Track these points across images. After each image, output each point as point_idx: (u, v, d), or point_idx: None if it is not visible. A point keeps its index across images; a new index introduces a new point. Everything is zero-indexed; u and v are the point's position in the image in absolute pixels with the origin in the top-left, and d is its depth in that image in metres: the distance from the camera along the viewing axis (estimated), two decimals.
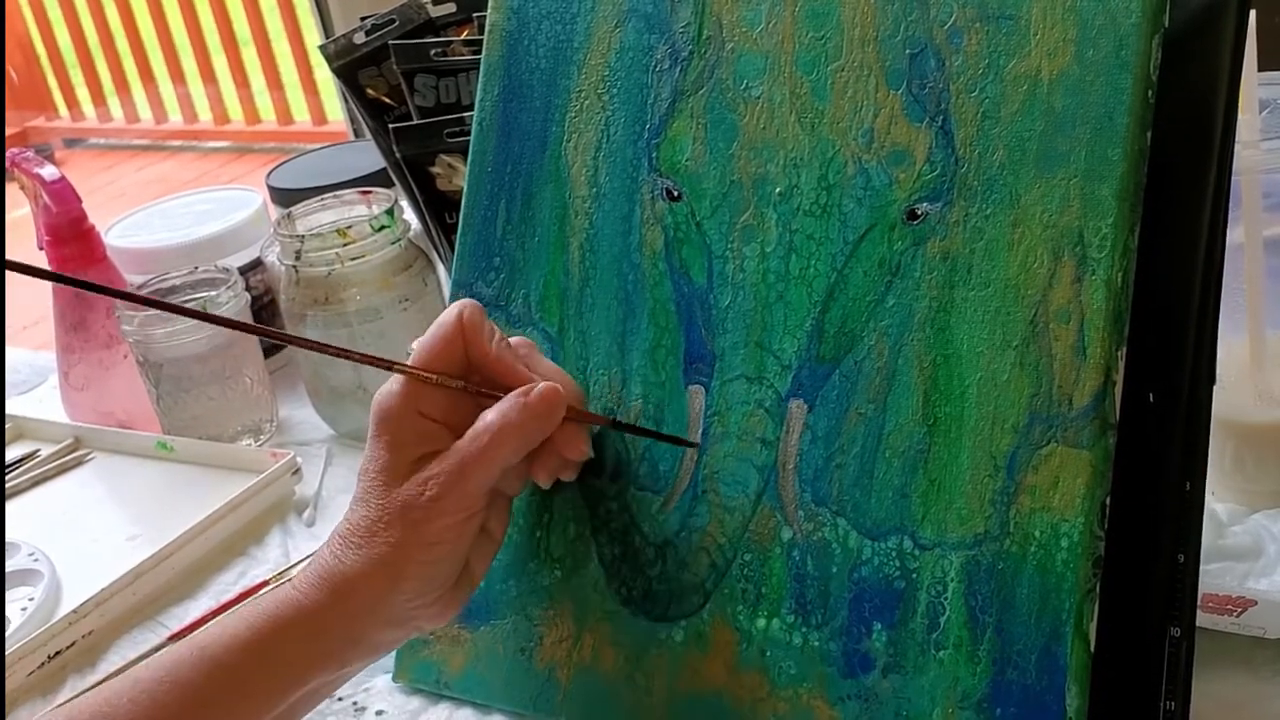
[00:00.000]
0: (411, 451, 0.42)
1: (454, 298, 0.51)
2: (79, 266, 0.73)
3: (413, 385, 0.43)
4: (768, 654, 0.44)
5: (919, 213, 0.43)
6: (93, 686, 0.55)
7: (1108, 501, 0.40)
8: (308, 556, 0.61)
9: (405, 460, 0.42)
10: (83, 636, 0.59)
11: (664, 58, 0.47)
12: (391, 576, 0.42)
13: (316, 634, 0.42)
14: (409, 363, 0.43)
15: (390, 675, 0.53)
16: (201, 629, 0.42)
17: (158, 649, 0.57)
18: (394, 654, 0.52)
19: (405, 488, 0.42)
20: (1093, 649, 0.40)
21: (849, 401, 0.43)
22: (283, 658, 0.41)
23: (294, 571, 0.60)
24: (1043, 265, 0.41)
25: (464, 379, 0.43)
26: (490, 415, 0.42)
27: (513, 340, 0.45)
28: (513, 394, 0.43)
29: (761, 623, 0.44)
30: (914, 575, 0.42)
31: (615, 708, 0.46)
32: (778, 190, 0.45)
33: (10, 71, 3.15)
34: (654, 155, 0.47)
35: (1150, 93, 0.40)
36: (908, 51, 0.43)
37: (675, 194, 0.47)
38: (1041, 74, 0.41)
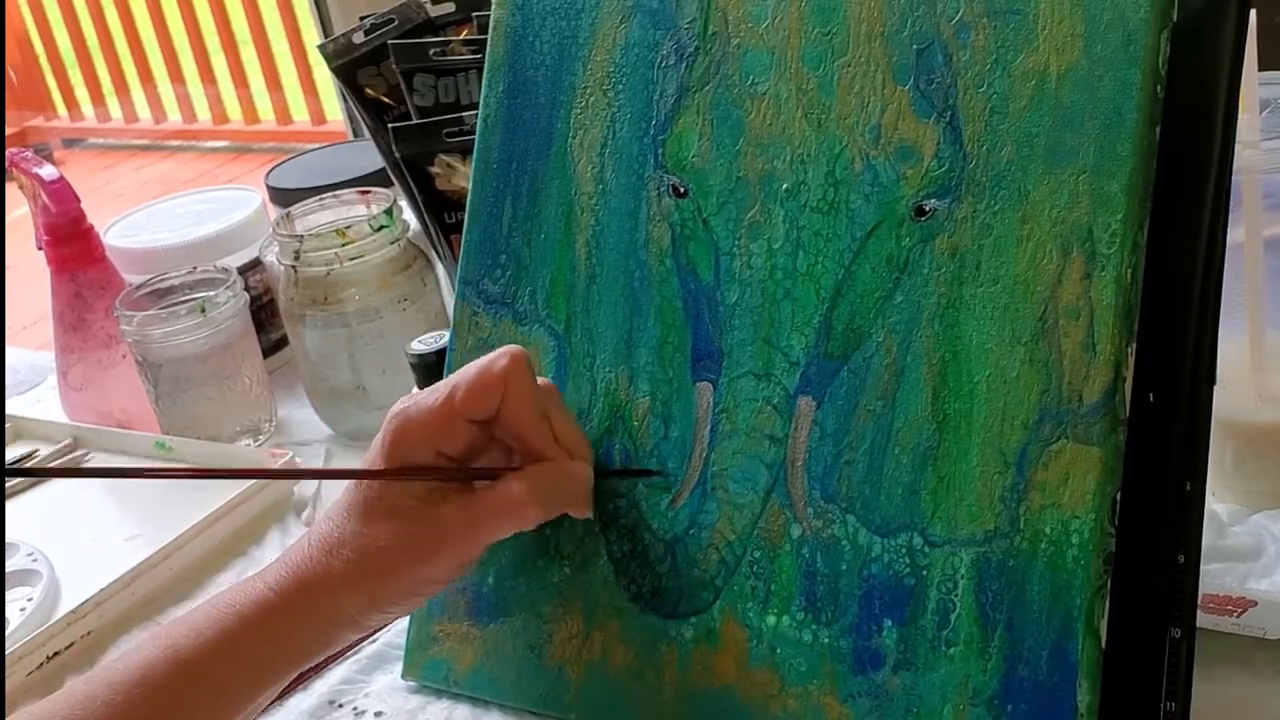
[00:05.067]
0: (418, 487, 0.42)
1: (460, 295, 0.51)
2: (78, 266, 0.73)
3: (440, 419, 0.42)
4: (778, 651, 0.44)
5: (927, 209, 0.43)
6: None
7: (1118, 498, 0.40)
8: None
9: (412, 489, 0.42)
10: (81, 637, 0.58)
11: (669, 53, 0.47)
12: (375, 597, 0.42)
13: (286, 636, 0.42)
14: (458, 384, 0.42)
15: (389, 675, 0.52)
16: (174, 623, 0.42)
17: None
18: (402, 652, 0.52)
19: (410, 523, 0.41)
20: (1104, 645, 0.39)
21: (858, 398, 0.43)
22: (253, 657, 0.41)
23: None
24: (1052, 261, 0.41)
25: (451, 458, 0.43)
26: (522, 483, 0.42)
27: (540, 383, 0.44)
28: (546, 469, 0.43)
29: (771, 620, 0.44)
30: (924, 572, 0.42)
31: (625, 705, 0.46)
32: (785, 186, 0.45)
33: (9, 71, 3.14)
34: (660, 151, 0.47)
35: (1159, 88, 0.40)
36: (915, 47, 0.43)
37: (681, 190, 0.46)
38: (1049, 69, 0.41)
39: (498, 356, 0.43)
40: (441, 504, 0.42)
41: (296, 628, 0.42)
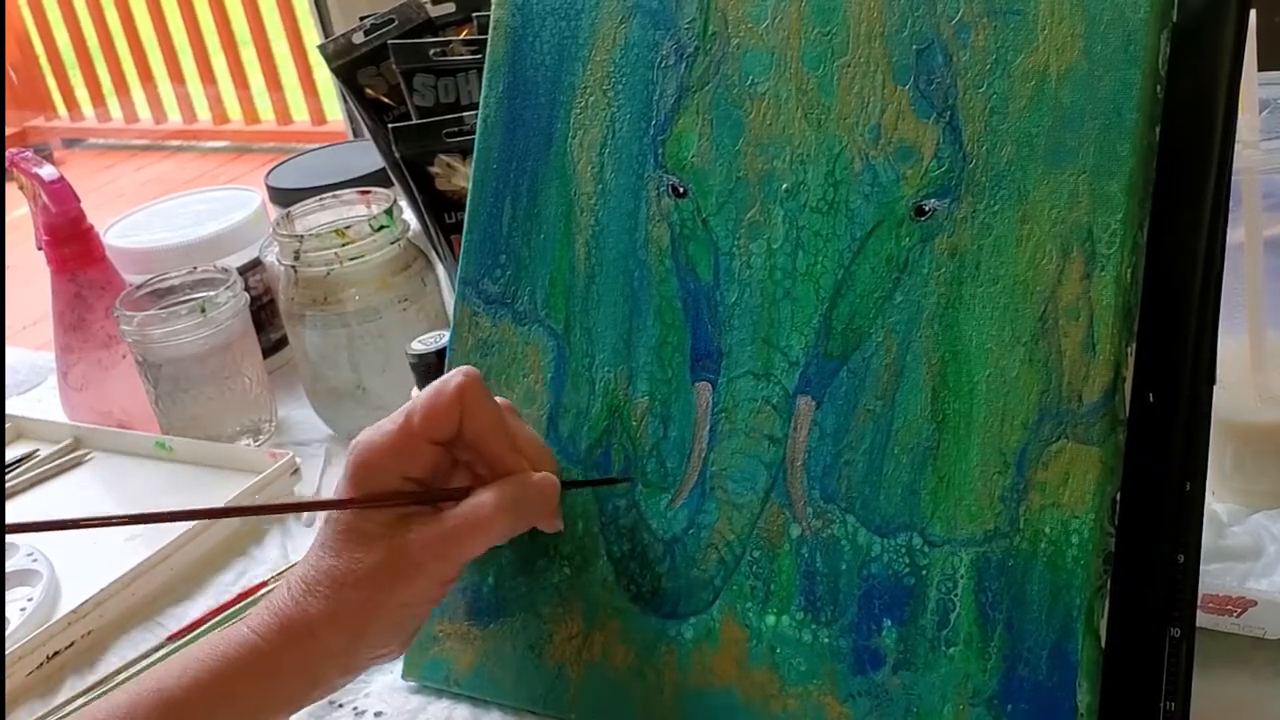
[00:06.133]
0: (389, 510, 0.42)
1: (460, 295, 0.51)
2: (78, 266, 0.73)
3: (401, 442, 0.42)
4: (778, 651, 0.44)
5: (927, 209, 0.43)
6: (88, 690, 0.55)
7: (1118, 498, 0.40)
8: None
9: (380, 517, 0.42)
10: (81, 637, 0.58)
11: (669, 54, 0.47)
12: (357, 631, 0.42)
13: (274, 679, 0.41)
14: (414, 408, 0.42)
15: (389, 675, 0.52)
16: (160, 665, 0.42)
17: (157, 649, 0.57)
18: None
19: (381, 550, 0.41)
20: (1104, 645, 0.39)
21: (857, 398, 0.43)
22: (239, 701, 0.41)
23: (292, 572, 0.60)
24: (1051, 261, 0.41)
25: (414, 481, 0.43)
26: (489, 497, 0.42)
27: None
28: (512, 482, 0.43)
29: (771, 619, 0.44)
30: (924, 572, 0.42)
31: (625, 705, 0.46)
32: (784, 186, 0.45)
33: (9, 71, 3.14)
34: (660, 151, 0.47)
35: (1159, 88, 0.40)
36: (914, 47, 0.43)
37: (681, 190, 0.46)
38: (1049, 69, 0.41)
39: (451, 376, 0.43)
40: (411, 528, 0.42)
41: (282, 670, 0.41)
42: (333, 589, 0.41)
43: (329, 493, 0.66)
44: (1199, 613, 0.42)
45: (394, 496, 0.42)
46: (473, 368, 0.44)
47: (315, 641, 0.41)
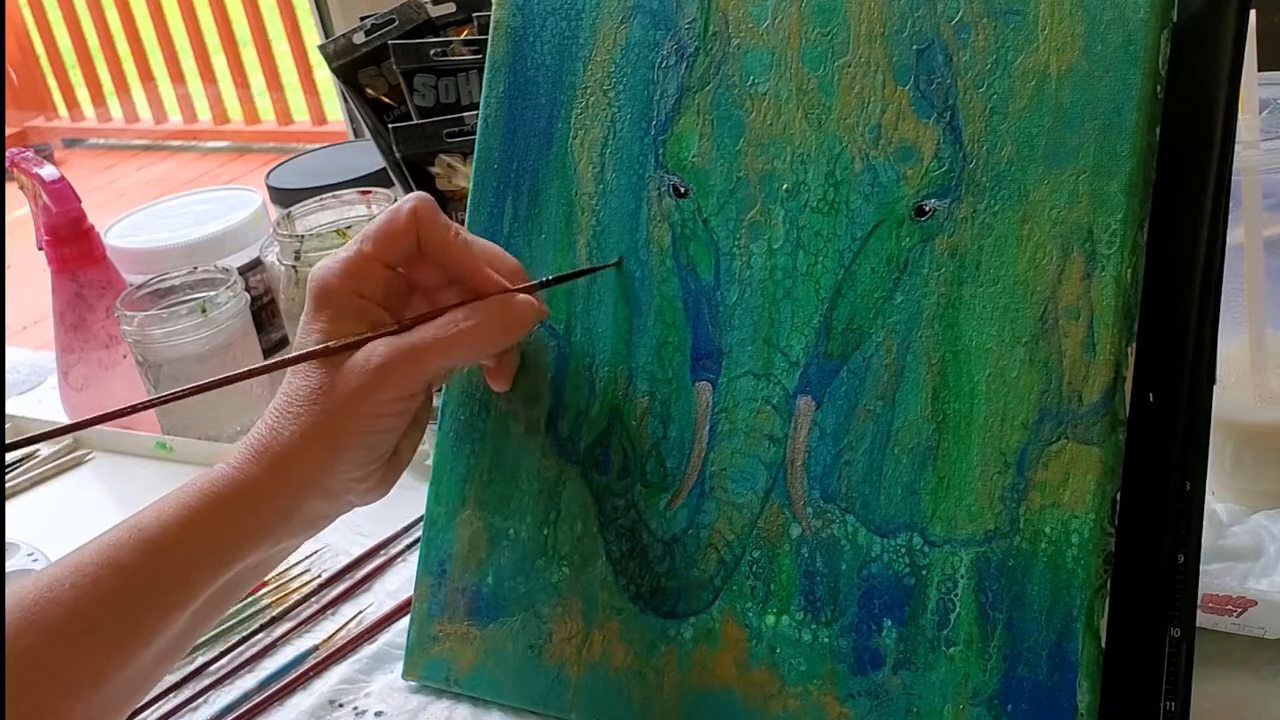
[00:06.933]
0: (351, 328, 0.43)
1: None
2: (78, 266, 0.73)
3: (353, 265, 0.43)
4: (777, 651, 0.44)
5: (927, 209, 0.43)
6: None
7: (1118, 498, 0.40)
8: (310, 555, 0.61)
9: (356, 328, 0.42)
10: None
11: (670, 54, 0.47)
12: (329, 447, 0.42)
13: (252, 508, 0.42)
14: (368, 232, 0.43)
15: (390, 675, 0.52)
16: (141, 509, 0.42)
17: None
18: (403, 652, 0.52)
19: (346, 359, 0.42)
20: (1104, 645, 0.40)
21: (857, 398, 0.43)
22: (218, 535, 0.41)
23: (291, 572, 0.60)
24: (1051, 261, 0.41)
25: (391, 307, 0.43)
26: (465, 314, 0.43)
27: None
28: (492, 303, 0.43)
29: (771, 619, 0.44)
30: (924, 572, 0.42)
31: (625, 704, 0.46)
32: (785, 187, 0.45)
33: (10, 71, 3.14)
34: (660, 152, 0.47)
35: (1159, 88, 0.40)
36: (915, 47, 0.43)
37: (682, 190, 0.46)
38: (1050, 69, 0.41)
39: (404, 200, 0.44)
40: (379, 340, 0.42)
41: (259, 499, 0.41)
42: (304, 405, 0.42)
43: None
44: (1199, 613, 0.42)
45: (369, 337, 0.43)
46: (426, 194, 0.44)
47: (291, 466, 0.41)
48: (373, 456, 0.43)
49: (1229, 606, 0.46)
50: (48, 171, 0.72)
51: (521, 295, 0.44)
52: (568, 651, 0.48)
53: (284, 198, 0.80)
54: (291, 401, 0.42)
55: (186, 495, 0.42)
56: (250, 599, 0.59)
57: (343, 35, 0.72)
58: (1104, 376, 0.40)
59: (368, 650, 0.55)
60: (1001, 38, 0.42)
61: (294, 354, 0.43)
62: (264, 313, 0.78)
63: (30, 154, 0.74)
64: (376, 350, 0.42)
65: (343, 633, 0.56)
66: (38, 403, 0.82)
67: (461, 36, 0.71)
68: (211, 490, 0.42)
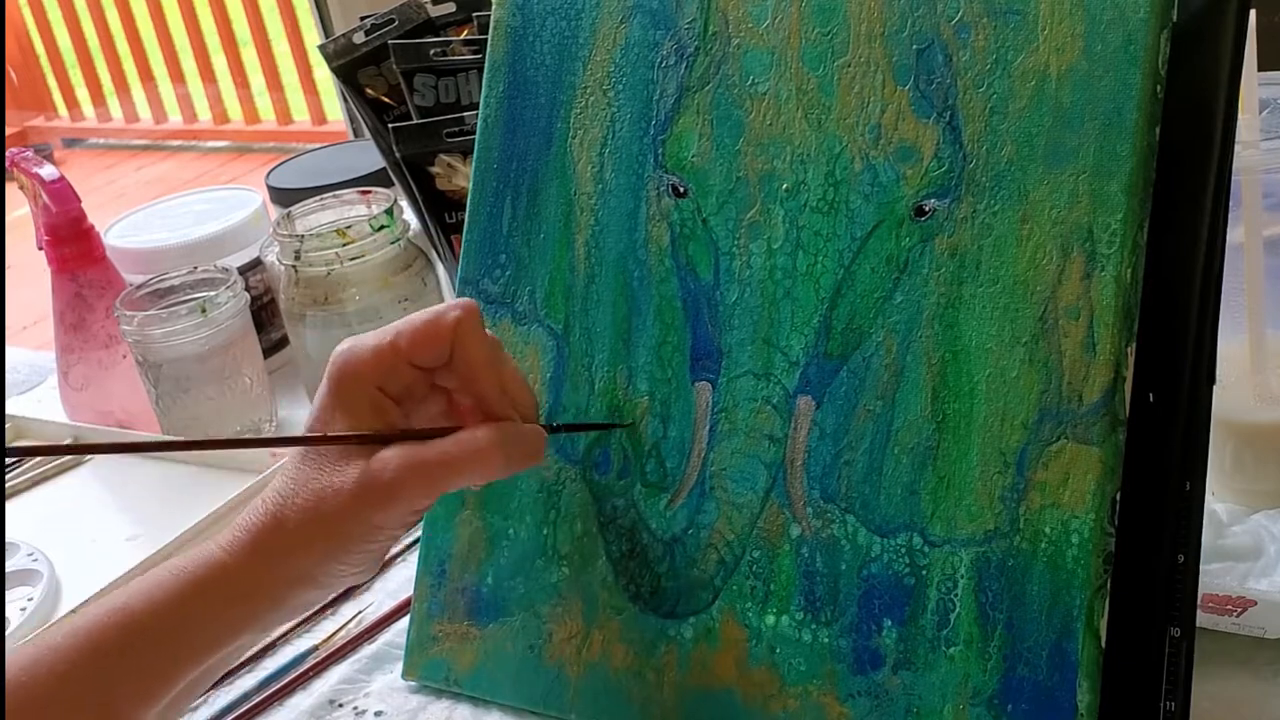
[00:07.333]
0: (366, 423, 0.41)
1: (460, 294, 0.51)
2: (78, 266, 0.73)
3: (383, 359, 0.41)
4: (777, 651, 0.44)
5: (927, 209, 0.43)
6: None
7: (1118, 498, 0.40)
8: None
9: (355, 428, 0.41)
10: None
11: (670, 53, 0.47)
12: (332, 550, 0.40)
13: (241, 599, 0.40)
14: (404, 330, 0.41)
15: (389, 675, 0.52)
16: (127, 586, 0.41)
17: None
18: (402, 652, 0.52)
19: (363, 463, 0.40)
20: (1104, 645, 0.39)
21: (857, 398, 0.43)
22: (204, 623, 0.40)
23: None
24: (1051, 261, 0.41)
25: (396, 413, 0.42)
26: (484, 434, 0.41)
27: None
28: (506, 429, 0.41)
29: (771, 619, 0.44)
30: (924, 572, 0.42)
31: (625, 704, 0.46)
32: (784, 186, 0.45)
33: (10, 71, 3.14)
34: (660, 151, 0.47)
35: (1159, 88, 0.40)
36: (915, 47, 0.43)
37: (681, 190, 0.46)
38: (1049, 69, 0.41)
39: (450, 308, 0.42)
40: (395, 448, 0.41)
41: (250, 591, 0.40)
42: (314, 501, 0.40)
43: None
44: (1199, 613, 0.42)
45: (378, 436, 0.41)
46: (473, 301, 0.43)
47: (288, 561, 0.40)
48: (373, 557, 0.42)
49: (1229, 606, 0.46)
50: (48, 171, 0.72)
51: (534, 428, 0.43)
52: (567, 651, 0.48)
53: (284, 198, 0.80)
54: (296, 494, 0.40)
55: (176, 580, 0.40)
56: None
57: (343, 35, 0.72)
58: (1104, 376, 0.40)
59: (367, 650, 0.54)
60: (1001, 37, 0.42)
61: (301, 436, 0.42)
62: (264, 313, 0.78)
63: (30, 154, 0.74)
64: (390, 463, 0.40)
65: (342, 633, 0.56)
66: (37, 403, 0.82)
67: (461, 36, 0.71)
68: (203, 577, 0.40)
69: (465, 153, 0.68)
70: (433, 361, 0.42)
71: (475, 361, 0.42)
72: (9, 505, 0.70)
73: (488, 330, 0.43)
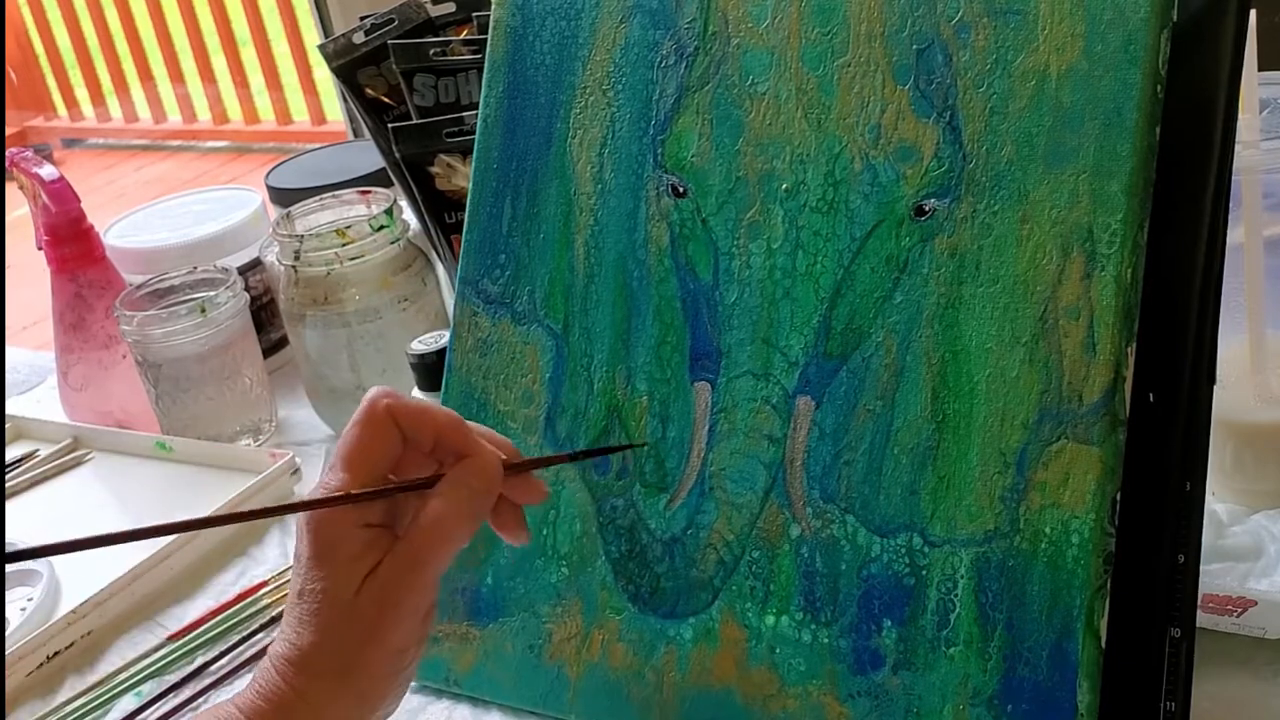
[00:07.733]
0: (360, 567, 0.39)
1: (460, 294, 0.51)
2: (78, 266, 0.73)
3: (344, 510, 0.39)
4: (777, 651, 0.44)
5: (927, 209, 0.43)
6: (87, 690, 0.55)
7: (1118, 498, 0.40)
8: None
9: (355, 578, 0.39)
10: (82, 637, 0.58)
11: (669, 53, 0.47)
12: (361, 697, 0.39)
13: None
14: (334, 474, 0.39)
15: None
16: None
17: (156, 649, 0.57)
18: None
19: (360, 605, 0.38)
20: (1104, 645, 0.39)
21: (857, 398, 0.43)
22: None
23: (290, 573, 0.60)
24: (1051, 261, 0.41)
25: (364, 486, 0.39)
26: (434, 504, 0.39)
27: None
28: (449, 477, 0.39)
29: (770, 620, 0.44)
30: (924, 572, 0.42)
31: (625, 704, 0.46)
32: (784, 186, 0.45)
33: (10, 71, 3.14)
34: (659, 151, 0.47)
35: (1159, 88, 0.40)
36: (915, 47, 0.43)
37: (681, 190, 0.46)
38: (1050, 69, 0.41)
39: (377, 399, 0.40)
40: (379, 570, 0.39)
41: None
42: (329, 661, 0.38)
43: None
44: (1199, 613, 0.42)
45: (368, 495, 0.39)
46: (379, 389, 0.40)
47: (312, 712, 0.38)
48: (402, 686, 0.40)
49: (1229, 606, 0.46)
50: (47, 171, 0.72)
51: (488, 452, 0.40)
52: (567, 652, 0.48)
53: (283, 198, 0.80)
54: (312, 656, 0.38)
55: None
56: (250, 599, 0.59)
57: (342, 35, 0.72)
58: (1104, 376, 0.40)
59: None
60: (1001, 37, 0.42)
61: (308, 500, 0.40)
62: (263, 313, 0.78)
63: (30, 154, 0.74)
64: (387, 591, 0.38)
65: None
66: (37, 403, 0.82)
67: (461, 36, 0.71)
68: None
69: (465, 153, 0.68)
70: (388, 463, 0.40)
71: (430, 423, 0.40)
72: (9, 505, 0.70)
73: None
